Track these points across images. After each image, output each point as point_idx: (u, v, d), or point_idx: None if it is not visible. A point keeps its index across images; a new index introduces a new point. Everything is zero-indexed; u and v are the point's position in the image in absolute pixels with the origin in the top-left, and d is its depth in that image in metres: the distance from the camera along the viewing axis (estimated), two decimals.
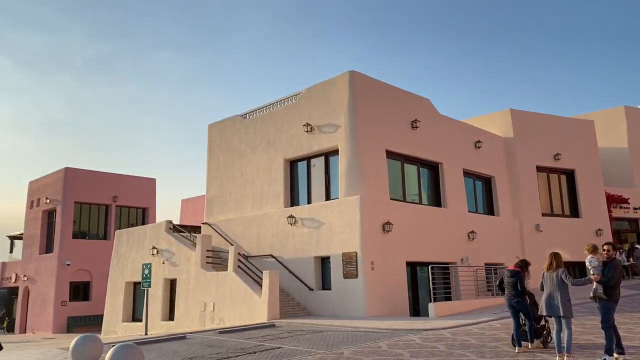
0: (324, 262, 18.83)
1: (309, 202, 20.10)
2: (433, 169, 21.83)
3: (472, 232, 21.77)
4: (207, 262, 19.88)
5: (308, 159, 20.48)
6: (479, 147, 23.86)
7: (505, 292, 9.70)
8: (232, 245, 20.24)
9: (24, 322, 32.96)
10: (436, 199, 21.59)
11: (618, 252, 25.53)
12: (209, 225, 23.03)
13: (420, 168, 21.32)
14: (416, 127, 20.65)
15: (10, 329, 33.92)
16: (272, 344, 11.26)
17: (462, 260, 20.96)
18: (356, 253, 17.37)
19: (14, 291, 35.22)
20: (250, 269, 18.86)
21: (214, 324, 18.45)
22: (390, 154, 19.73)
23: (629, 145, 30.67)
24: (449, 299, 18.85)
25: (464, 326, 12.63)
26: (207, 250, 20.12)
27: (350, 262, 17.52)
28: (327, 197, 19.53)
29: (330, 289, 18.14)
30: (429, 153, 21.25)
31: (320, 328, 13.76)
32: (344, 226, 17.98)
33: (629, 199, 28.93)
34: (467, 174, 23.36)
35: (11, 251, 39.78)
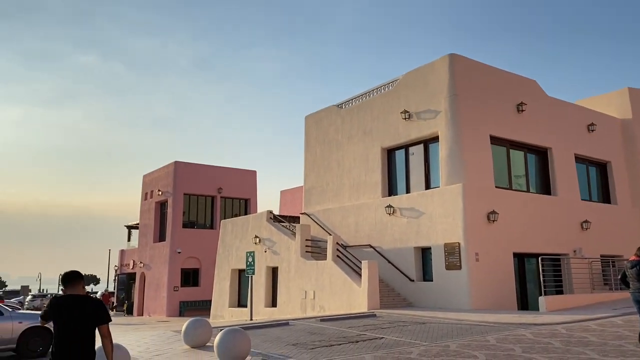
0: (425, 252, 18.38)
1: (407, 191, 19.70)
2: (541, 155, 20.47)
3: (586, 221, 20.18)
4: (306, 251, 20.18)
5: (406, 147, 20.05)
6: (593, 131, 22.03)
7: (630, 285, 8.80)
8: (330, 235, 20.37)
9: (141, 305, 35.66)
10: (545, 187, 20.25)
11: None
12: (307, 215, 23.38)
13: (527, 154, 20.09)
14: (522, 111, 19.45)
15: (129, 312, 36.88)
16: (373, 334, 11.15)
17: (575, 251, 19.52)
18: (459, 244, 16.76)
19: (132, 277, 38.21)
20: (348, 258, 18.88)
21: (315, 311, 18.72)
22: (495, 140, 18.78)
23: None
24: (560, 292, 17.65)
25: (580, 322, 11.71)
26: (306, 240, 20.42)
27: (452, 253, 16.95)
28: (427, 186, 19.02)
29: (431, 280, 17.69)
30: (536, 138, 19.96)
31: (422, 319, 13.44)
32: (445, 216, 17.41)
33: None
34: (580, 159, 21.67)
35: (129, 240, 43.20)
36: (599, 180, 22.73)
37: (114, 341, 4.94)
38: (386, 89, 21.03)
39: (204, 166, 35.39)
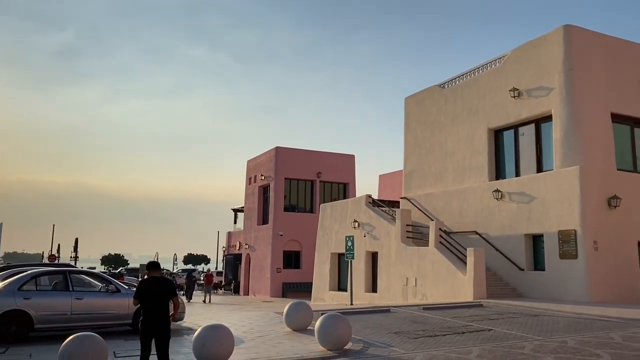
0: (536, 240, 17.19)
1: (516, 174, 18.49)
2: None
3: None
4: (407, 237, 19.72)
5: (515, 127, 18.78)
6: None
7: None
8: (432, 220, 19.72)
9: (247, 285, 37.20)
10: None
11: None
12: (407, 199, 22.83)
13: None
14: None
15: (236, 291, 38.66)
16: (480, 325, 10.56)
17: None
18: (575, 231, 15.45)
19: (238, 257, 39.95)
20: (452, 245, 18.16)
21: (417, 299, 18.27)
22: (617, 118, 17.02)
23: None
24: None
25: None
26: (407, 225, 19.94)
27: (568, 241, 15.66)
28: (539, 169, 17.72)
29: (543, 270, 16.52)
30: None
31: (534, 311, 12.54)
32: (560, 201, 16.11)
33: None
34: None
35: (235, 222, 45.16)
36: None
37: (220, 320, 5.76)
38: (493, 65, 19.79)
39: (303, 151, 35.91)
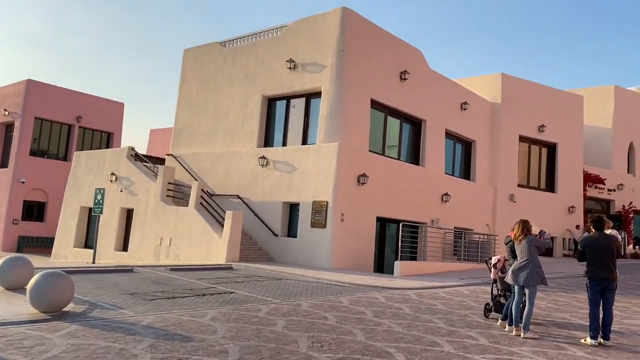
0: (293, 208, 17.94)
1: (284, 144, 18.98)
2: (416, 126, 20.85)
3: (446, 194, 21.11)
4: (167, 195, 18.75)
5: (288, 98, 19.20)
6: (465, 109, 22.91)
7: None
8: (197, 180, 19.11)
9: None
10: (415, 157, 20.73)
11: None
12: (174, 157, 21.76)
13: (404, 123, 20.32)
14: (404, 79, 19.49)
15: None
16: (224, 288, 10.39)
17: (432, 221, 20.37)
18: (327, 202, 16.50)
19: None
20: (213, 207, 17.85)
21: (169, 259, 17.54)
22: (375, 104, 18.62)
23: (613, 127, 30.21)
24: (414, 259, 18.30)
25: (430, 288, 12.00)
26: (169, 183, 18.96)
27: (320, 211, 16.67)
28: (304, 141, 18.44)
29: (295, 237, 17.34)
30: (414, 108, 20.21)
31: (280, 275, 12.97)
32: (318, 174, 17.01)
33: (605, 179, 28.70)
34: (449, 135, 22.48)
35: None
36: (463, 157, 23.88)
37: None
38: (274, 33, 19.84)
39: (62, 89, 31.43)
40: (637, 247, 28.58)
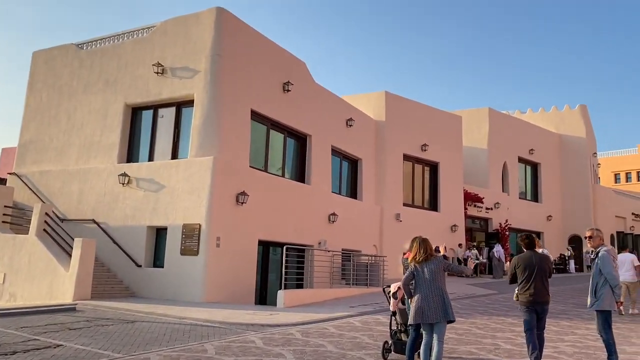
0: (160, 233, 15.50)
1: (150, 159, 16.53)
2: (301, 141, 19.45)
3: (334, 214, 19.85)
4: (3, 221, 15.39)
5: (156, 107, 16.84)
6: (351, 126, 22.01)
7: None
8: (43, 202, 15.96)
9: None
10: (300, 174, 19.27)
11: (472, 250, 25.56)
12: (18, 176, 18.26)
13: (288, 137, 18.82)
14: (288, 91, 18.05)
15: None
16: (50, 339, 7.86)
17: (319, 243, 18.93)
18: (200, 225, 14.33)
19: None
20: (61, 235, 14.85)
21: (2, 301, 14.20)
22: (256, 116, 16.91)
23: (489, 147, 31.29)
24: (301, 286, 16.62)
25: (317, 322, 10.33)
26: (6, 207, 15.63)
27: (191, 236, 14.43)
28: (174, 156, 16.16)
29: (162, 267, 14.89)
30: (298, 122, 18.81)
31: (135, 316, 10.54)
32: (189, 192, 14.81)
33: (483, 198, 29.42)
34: (335, 152, 21.39)
35: None
36: (349, 175, 22.92)
37: None
38: (140, 34, 17.45)
39: None
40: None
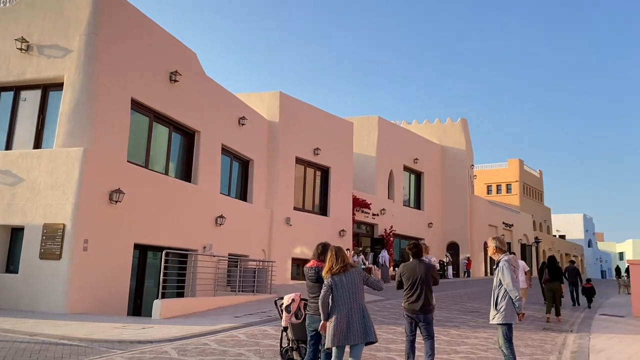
0: (16, 234, 13.39)
1: (7, 147, 14.29)
2: (188, 137, 18.07)
3: (222, 216, 18.69)
4: None
5: (17, 88, 14.62)
6: (243, 125, 21.01)
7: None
8: None
9: None
10: (186, 173, 17.88)
11: (360, 255, 25.63)
12: None
13: (174, 132, 17.36)
14: (175, 81, 16.65)
15: None
16: None
17: (204, 247, 17.67)
18: (64, 225, 12.52)
19: None
20: None
21: None
22: (138, 106, 15.33)
23: (377, 155, 31.87)
24: (182, 295, 15.28)
25: (197, 337, 9.23)
26: None
27: (53, 237, 12.56)
28: (37, 145, 14.10)
29: (17, 272, 12.82)
30: (186, 116, 17.44)
31: None
32: (53, 187, 12.92)
33: (370, 204, 29.81)
34: (226, 151, 20.25)
35: None
36: (240, 176, 21.87)
37: None
38: (2, 3, 15.11)
39: None
40: (396, 269, 30.19)
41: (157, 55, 16.00)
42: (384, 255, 26.70)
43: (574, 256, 58.95)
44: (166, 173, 16.76)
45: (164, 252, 13.20)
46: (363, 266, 25.64)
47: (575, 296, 18.11)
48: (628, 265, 26.82)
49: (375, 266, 24.51)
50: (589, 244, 76.84)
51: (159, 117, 16.43)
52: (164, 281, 13.16)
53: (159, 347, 8.17)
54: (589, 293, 18.14)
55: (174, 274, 15.04)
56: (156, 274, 15.06)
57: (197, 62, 18.30)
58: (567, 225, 73.93)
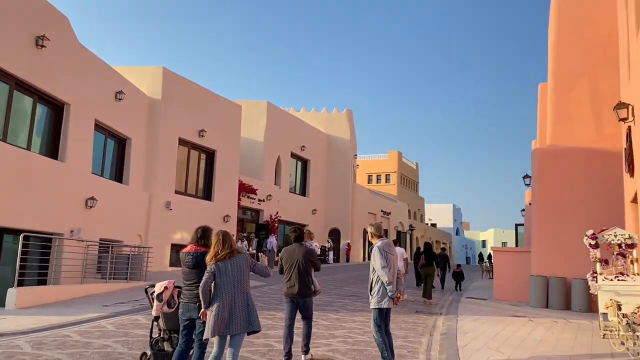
0: None
1: None
2: (56, 110, 16.40)
3: (93, 198, 17.27)
4: None
5: None
6: (120, 100, 19.56)
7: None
8: None
9: None
10: (53, 149, 16.24)
11: (243, 241, 25.23)
12: None
13: (39, 103, 15.65)
14: (42, 46, 14.98)
15: None
16: None
17: (72, 231, 16.23)
18: None
19: None
20: None
21: None
22: None
23: (265, 140, 31.54)
24: (44, 282, 13.88)
25: (57, 328, 8.35)
26: None
27: None
28: None
29: None
30: (54, 86, 15.79)
31: None
32: None
33: (257, 190, 29.48)
34: (100, 127, 18.71)
35: None
36: (115, 156, 20.36)
37: None
38: None
39: None
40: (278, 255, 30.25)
41: (20, 15, 14.25)
42: (272, 241, 26.59)
43: (443, 243, 63.54)
44: (29, 148, 15.07)
45: (22, 236, 11.82)
46: (246, 252, 25.36)
47: (442, 280, 19.39)
48: (490, 252, 29.38)
49: (262, 253, 24.29)
50: (457, 232, 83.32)
51: (21, 85, 14.68)
52: (22, 267, 11.81)
53: (10, 340, 7.23)
54: (459, 277, 19.50)
55: (36, 260, 13.63)
56: (14, 260, 13.52)
57: (70, 27, 16.65)
58: (438, 214, 79.43)
